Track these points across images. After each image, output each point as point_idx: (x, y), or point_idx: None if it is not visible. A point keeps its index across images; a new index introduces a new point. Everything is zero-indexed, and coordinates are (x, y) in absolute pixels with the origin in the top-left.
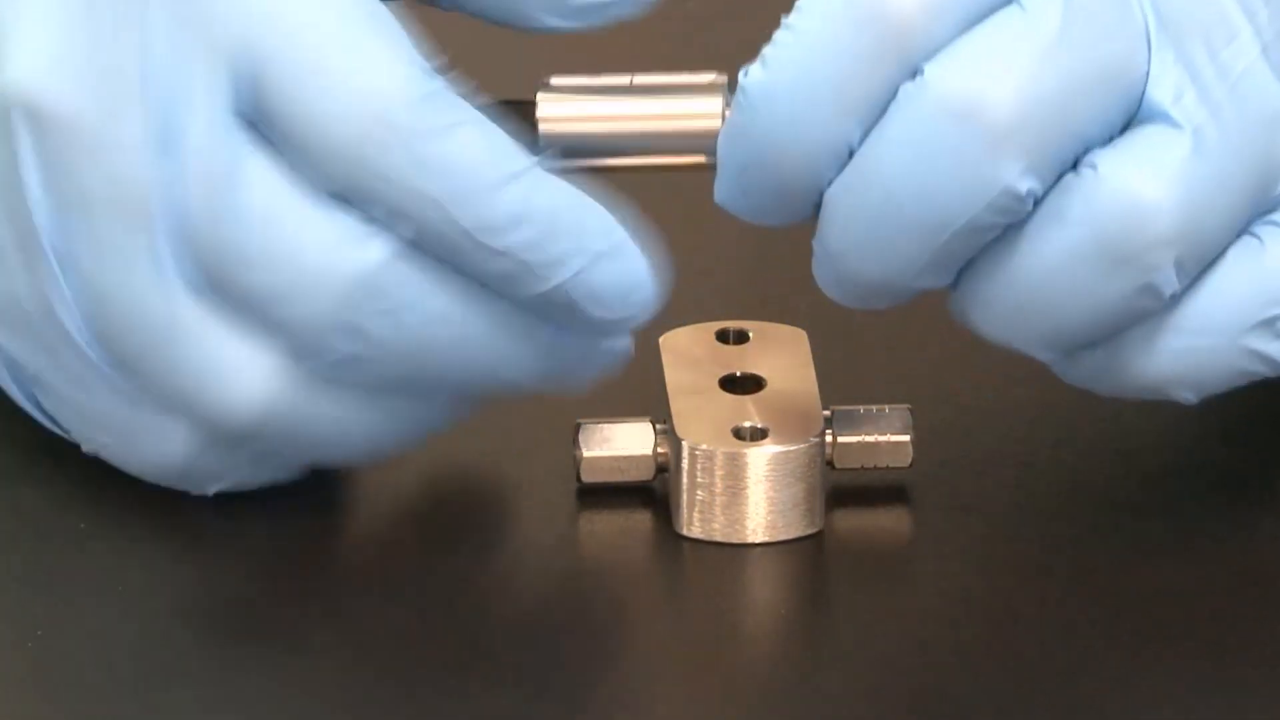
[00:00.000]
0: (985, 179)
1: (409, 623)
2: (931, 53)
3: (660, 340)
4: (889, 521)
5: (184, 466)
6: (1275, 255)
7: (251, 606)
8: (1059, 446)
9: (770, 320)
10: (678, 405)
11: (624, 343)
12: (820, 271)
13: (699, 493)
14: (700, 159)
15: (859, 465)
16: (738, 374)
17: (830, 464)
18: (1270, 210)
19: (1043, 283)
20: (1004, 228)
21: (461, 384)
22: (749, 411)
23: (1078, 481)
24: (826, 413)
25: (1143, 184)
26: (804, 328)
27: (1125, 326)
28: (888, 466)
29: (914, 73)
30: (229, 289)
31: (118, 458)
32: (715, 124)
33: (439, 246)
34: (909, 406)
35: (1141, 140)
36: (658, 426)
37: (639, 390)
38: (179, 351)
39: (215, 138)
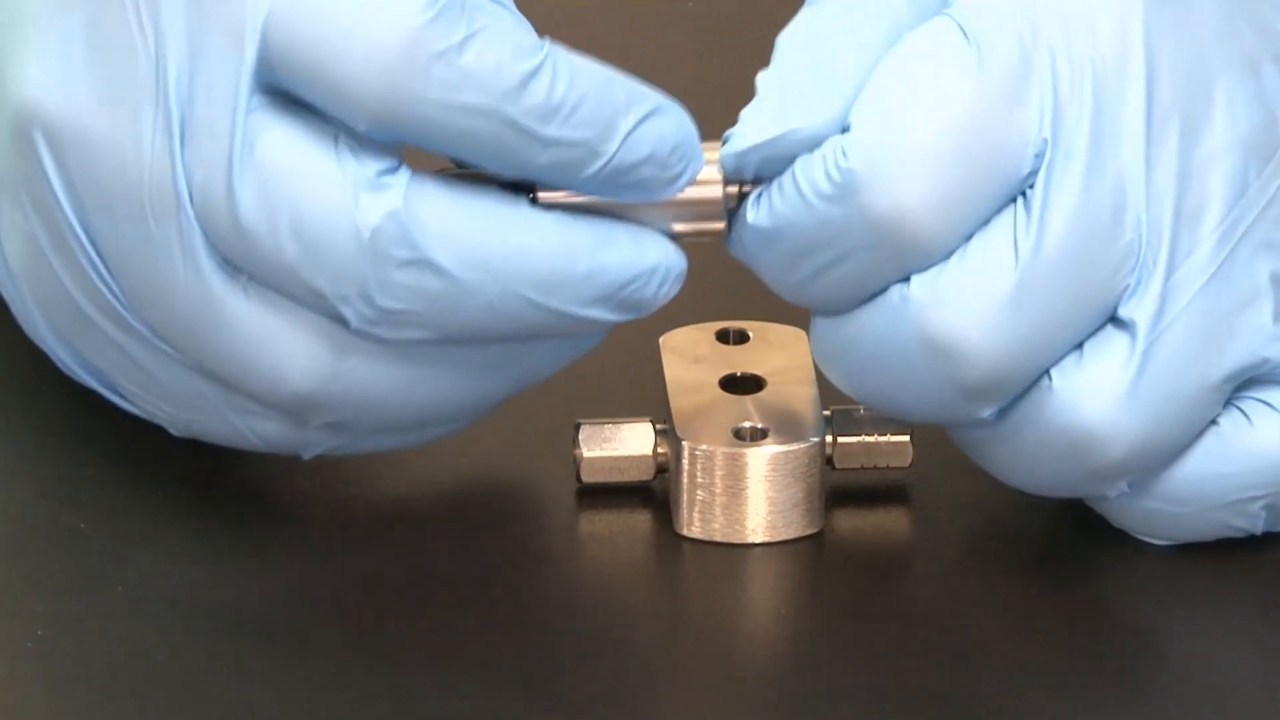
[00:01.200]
0: (952, 410)
1: (408, 623)
2: (928, 262)
3: (660, 340)
4: (889, 521)
5: (268, 439)
6: (1244, 442)
7: (251, 607)
8: None
9: (770, 320)
10: (678, 405)
11: (670, 250)
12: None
13: (699, 493)
14: (713, 225)
15: (859, 465)
16: (738, 374)
17: (830, 464)
18: (1241, 387)
19: (1011, 467)
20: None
21: (513, 324)
22: (749, 412)
23: None
24: (826, 413)
25: (1094, 412)
26: (804, 328)
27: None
28: (888, 466)
29: (905, 276)
30: (259, 264)
31: (208, 434)
32: (716, 192)
33: (488, 153)
34: None
35: (1100, 352)
36: (658, 426)
37: (639, 390)
38: (224, 335)
39: (230, 116)
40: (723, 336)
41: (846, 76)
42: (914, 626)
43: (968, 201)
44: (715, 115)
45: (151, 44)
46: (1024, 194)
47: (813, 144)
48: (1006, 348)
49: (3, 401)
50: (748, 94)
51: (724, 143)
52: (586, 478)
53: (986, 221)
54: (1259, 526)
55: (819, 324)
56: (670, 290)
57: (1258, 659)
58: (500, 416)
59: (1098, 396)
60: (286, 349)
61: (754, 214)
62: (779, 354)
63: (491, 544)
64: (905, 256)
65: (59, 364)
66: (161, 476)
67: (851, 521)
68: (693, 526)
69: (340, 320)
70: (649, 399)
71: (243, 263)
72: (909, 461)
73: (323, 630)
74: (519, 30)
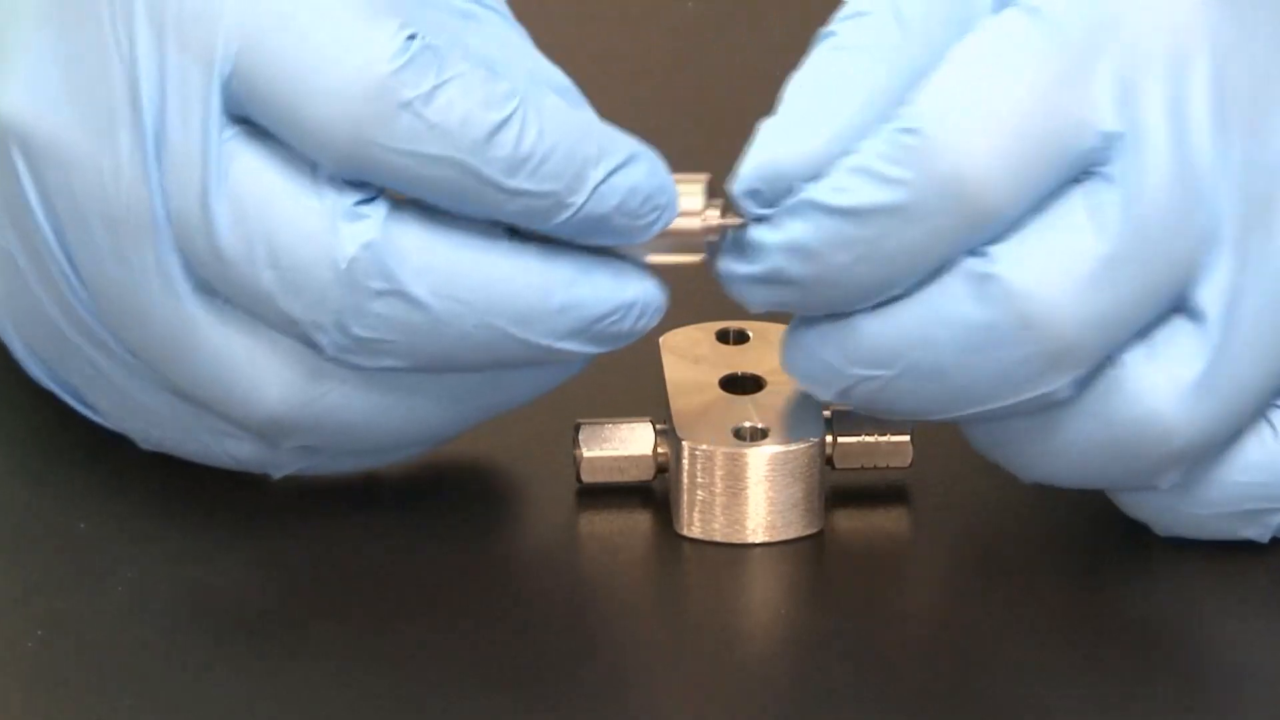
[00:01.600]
0: (1031, 382)
1: (408, 623)
2: (1000, 233)
3: (660, 340)
4: (889, 521)
5: (239, 459)
6: (1271, 453)
7: (251, 607)
8: None
9: (770, 320)
10: (678, 405)
11: (649, 285)
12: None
13: (699, 493)
14: (692, 258)
15: (859, 465)
16: (738, 374)
17: (830, 464)
18: None
19: (1061, 457)
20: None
21: (488, 354)
22: (749, 412)
23: None
24: (826, 413)
25: (1164, 400)
26: None
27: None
28: (888, 466)
29: (974, 250)
30: (235, 289)
31: (179, 450)
32: (696, 223)
33: (454, 200)
34: None
35: (1170, 340)
36: (658, 426)
37: (639, 390)
38: (199, 357)
39: (201, 141)
40: (723, 336)
41: (850, 105)
42: (914, 626)
43: (1035, 167)
44: (715, 115)
45: (126, 64)
46: (1098, 170)
47: (816, 168)
48: (1092, 317)
49: (3, 401)
50: (747, 94)
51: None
52: (586, 478)
53: (1054, 194)
54: (1266, 536)
55: (862, 322)
56: (649, 323)
57: (1264, 655)
58: (500, 417)
59: (1168, 384)
60: (261, 373)
61: (773, 235)
62: (779, 354)
63: (492, 544)
64: (975, 220)
65: (30, 375)
66: (161, 476)
67: (851, 521)
68: (693, 526)
69: (315, 346)
70: (649, 399)
71: (219, 286)
72: (909, 461)
73: (323, 630)
74: (491, 78)
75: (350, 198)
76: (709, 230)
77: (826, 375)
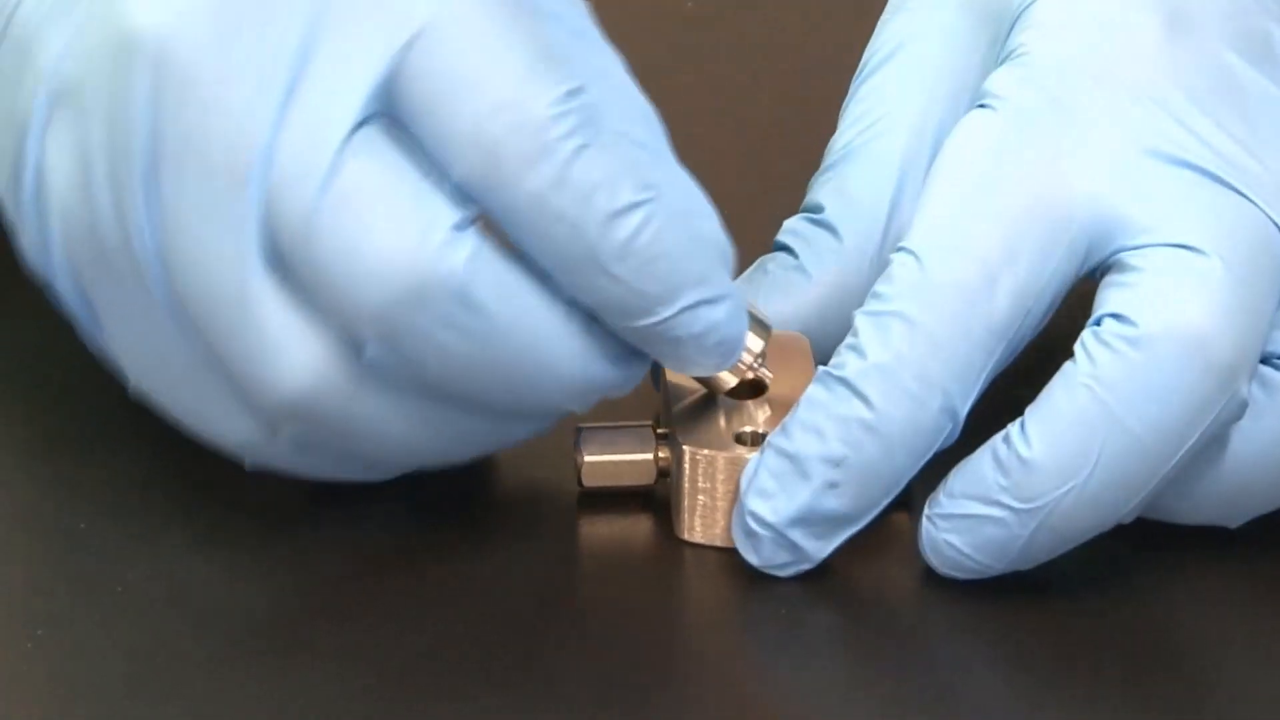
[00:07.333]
0: (1211, 400)
1: (407, 625)
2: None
3: None
4: (889, 523)
5: (227, 435)
6: None
7: (251, 607)
8: None
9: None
10: (679, 410)
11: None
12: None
13: (700, 498)
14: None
15: None
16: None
17: None
18: None
19: (1245, 474)
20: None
21: (505, 400)
22: (751, 416)
23: None
24: None
25: None
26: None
27: None
28: None
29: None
30: (308, 268)
31: (162, 401)
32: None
33: (553, 258)
34: None
35: None
36: (659, 431)
37: (641, 395)
38: (239, 317)
39: (337, 112)
40: None
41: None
42: (915, 627)
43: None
44: (714, 115)
45: (294, 15)
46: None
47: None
48: (1237, 324)
49: (3, 401)
50: (747, 94)
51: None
52: (588, 482)
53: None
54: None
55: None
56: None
57: (1267, 659)
58: None
59: None
60: (295, 354)
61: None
62: (781, 359)
63: (493, 548)
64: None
65: (45, 284)
66: (162, 476)
67: None
68: (694, 531)
69: (355, 347)
70: (650, 403)
71: (290, 258)
72: None
73: (323, 630)
74: (636, 157)
75: (456, 215)
76: (740, 374)
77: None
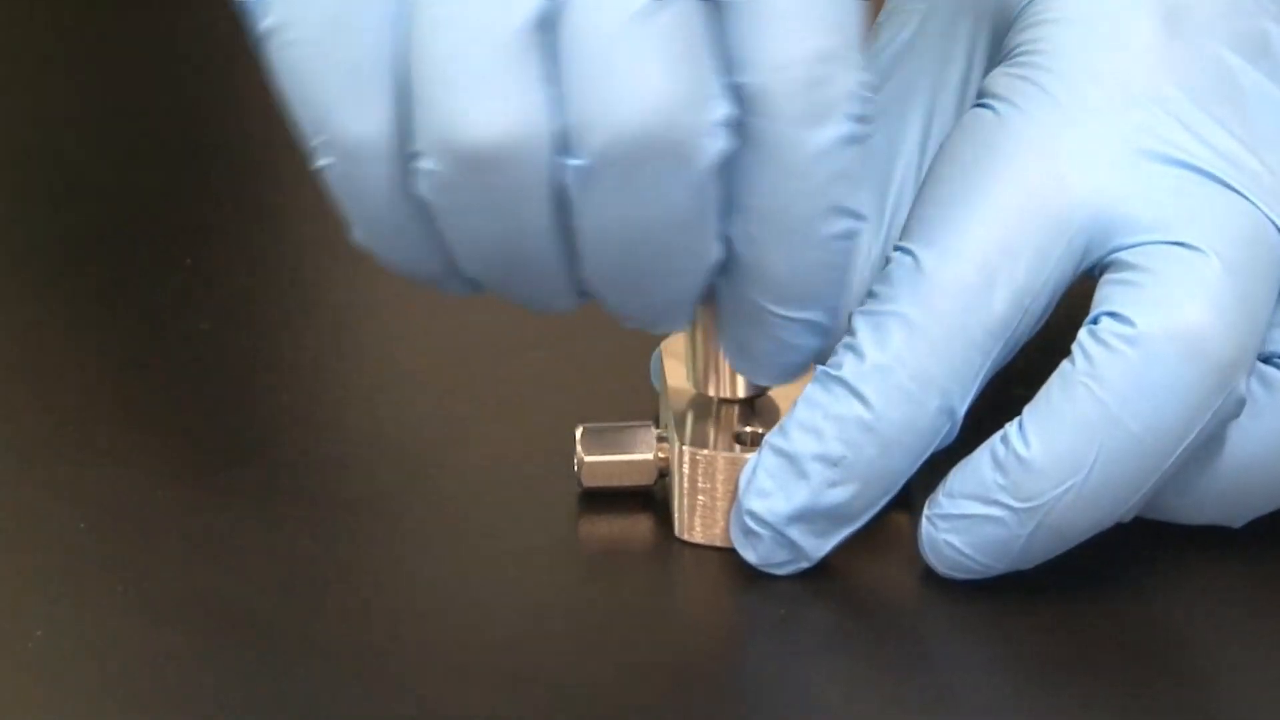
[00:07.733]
0: (1210, 399)
1: (408, 624)
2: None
3: (662, 345)
4: (889, 523)
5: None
6: None
7: (251, 607)
8: None
9: None
10: (679, 410)
11: None
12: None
13: (700, 498)
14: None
15: None
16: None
17: None
18: None
19: (1246, 473)
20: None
21: (633, 280)
22: (750, 416)
23: None
24: None
25: None
26: None
27: None
28: None
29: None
30: (573, 53)
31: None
32: None
33: (753, 197)
34: None
35: None
36: (659, 431)
37: (640, 395)
38: (484, 45)
39: None
40: None
41: None
42: (916, 627)
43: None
44: None
45: None
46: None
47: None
48: (1235, 322)
49: (3, 401)
50: None
51: None
52: (587, 482)
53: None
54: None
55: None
56: None
57: (1267, 659)
58: (501, 420)
59: None
60: (510, 102)
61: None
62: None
63: (492, 548)
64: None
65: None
66: (161, 476)
67: None
68: (694, 531)
69: (565, 148)
70: (650, 403)
71: (569, 39)
72: None
73: (323, 630)
74: (865, 189)
75: (728, 111)
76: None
77: (1003, 535)
